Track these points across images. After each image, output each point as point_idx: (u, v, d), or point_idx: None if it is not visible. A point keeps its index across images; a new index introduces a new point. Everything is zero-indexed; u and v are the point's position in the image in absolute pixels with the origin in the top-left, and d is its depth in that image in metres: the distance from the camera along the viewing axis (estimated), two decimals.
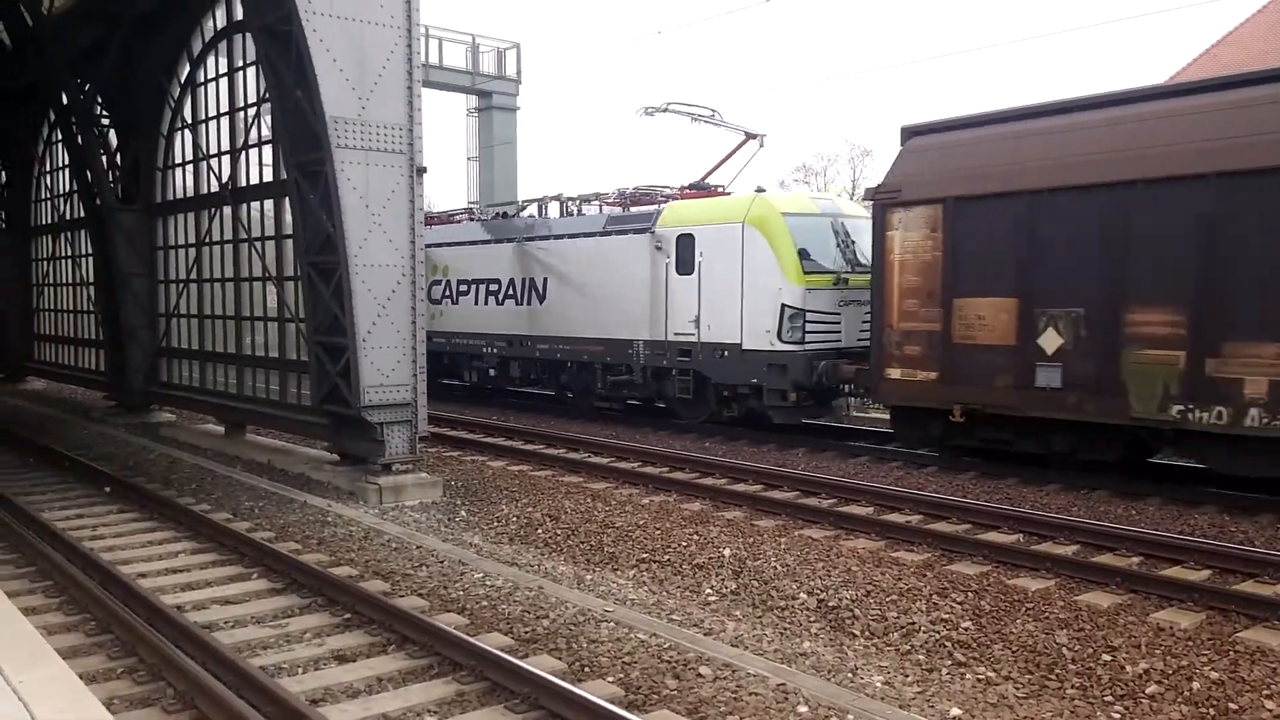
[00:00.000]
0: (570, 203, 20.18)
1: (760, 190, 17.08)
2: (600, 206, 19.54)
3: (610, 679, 6.36)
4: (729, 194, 18.22)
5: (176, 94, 17.30)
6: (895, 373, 13.86)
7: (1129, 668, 6.76)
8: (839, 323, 15.96)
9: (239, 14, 14.97)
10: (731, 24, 79.27)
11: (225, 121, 15.99)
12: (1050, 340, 12.18)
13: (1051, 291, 12.13)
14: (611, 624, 7.38)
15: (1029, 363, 12.33)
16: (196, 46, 16.66)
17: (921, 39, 74.38)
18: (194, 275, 17.34)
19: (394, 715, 5.81)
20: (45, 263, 24.36)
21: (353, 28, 11.56)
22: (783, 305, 15.62)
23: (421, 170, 12.28)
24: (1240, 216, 10.67)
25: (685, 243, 16.83)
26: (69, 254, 22.63)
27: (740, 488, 12.50)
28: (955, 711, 6.13)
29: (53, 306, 24.31)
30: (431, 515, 11.41)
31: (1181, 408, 11.06)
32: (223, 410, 16.43)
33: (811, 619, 7.90)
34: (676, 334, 17.06)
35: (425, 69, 12.55)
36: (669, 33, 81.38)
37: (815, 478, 12.78)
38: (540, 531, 10.68)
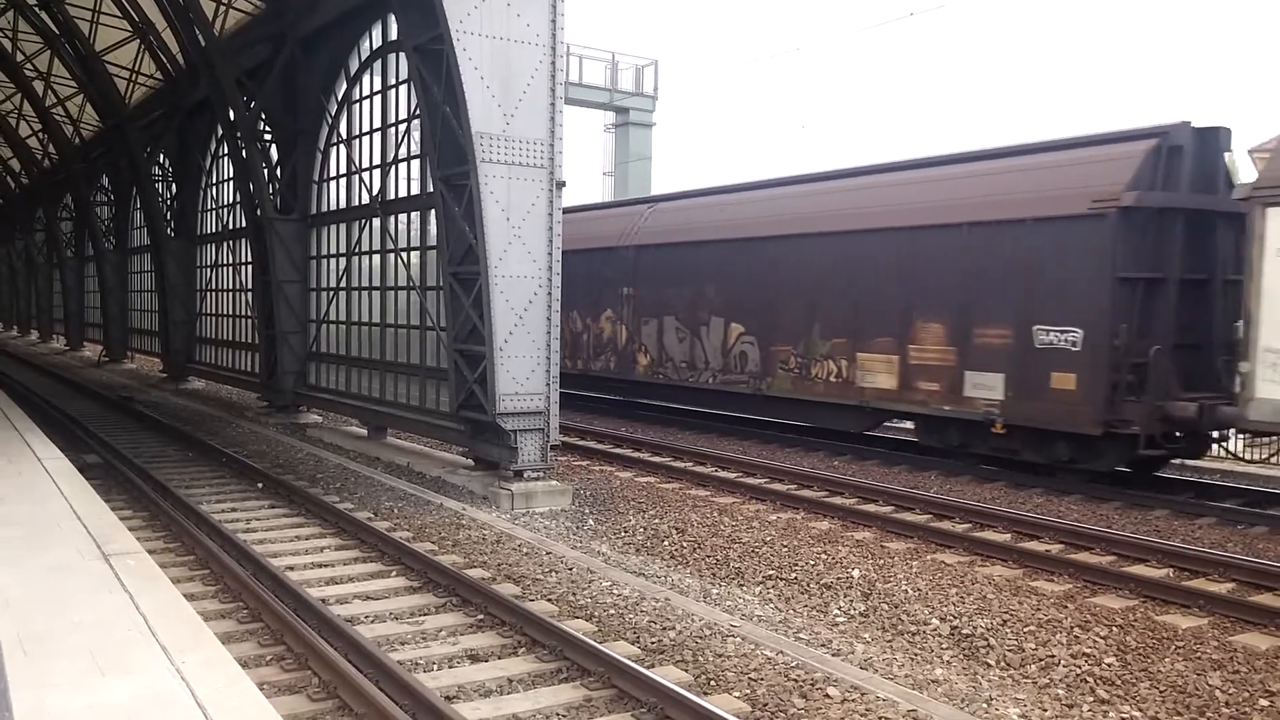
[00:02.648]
0: None
1: None
2: None
3: (736, 694, 6.34)
4: None
5: (333, 110, 18.19)
6: None
7: None
8: None
9: (394, 34, 15.66)
10: (872, 40, 78.20)
11: (377, 137, 16.74)
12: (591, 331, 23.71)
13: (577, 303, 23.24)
14: (738, 639, 7.36)
15: (579, 342, 23.74)
16: (353, 65, 17.50)
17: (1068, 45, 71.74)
18: (343, 284, 18.16)
19: (524, 716, 5.95)
20: (208, 270, 25.88)
21: (500, 46, 11.94)
22: None
23: (561, 184, 12.56)
24: (598, 276, 22.16)
25: None
26: (230, 262, 23.97)
27: (870, 508, 12.28)
28: None
29: (214, 311, 25.78)
30: (560, 522, 11.62)
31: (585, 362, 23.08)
32: (366, 413, 17.14)
33: (944, 645, 7.70)
34: None
35: (566, 86, 12.80)
36: (807, 49, 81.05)
37: (950, 501, 12.45)
38: (667, 543, 10.74)
